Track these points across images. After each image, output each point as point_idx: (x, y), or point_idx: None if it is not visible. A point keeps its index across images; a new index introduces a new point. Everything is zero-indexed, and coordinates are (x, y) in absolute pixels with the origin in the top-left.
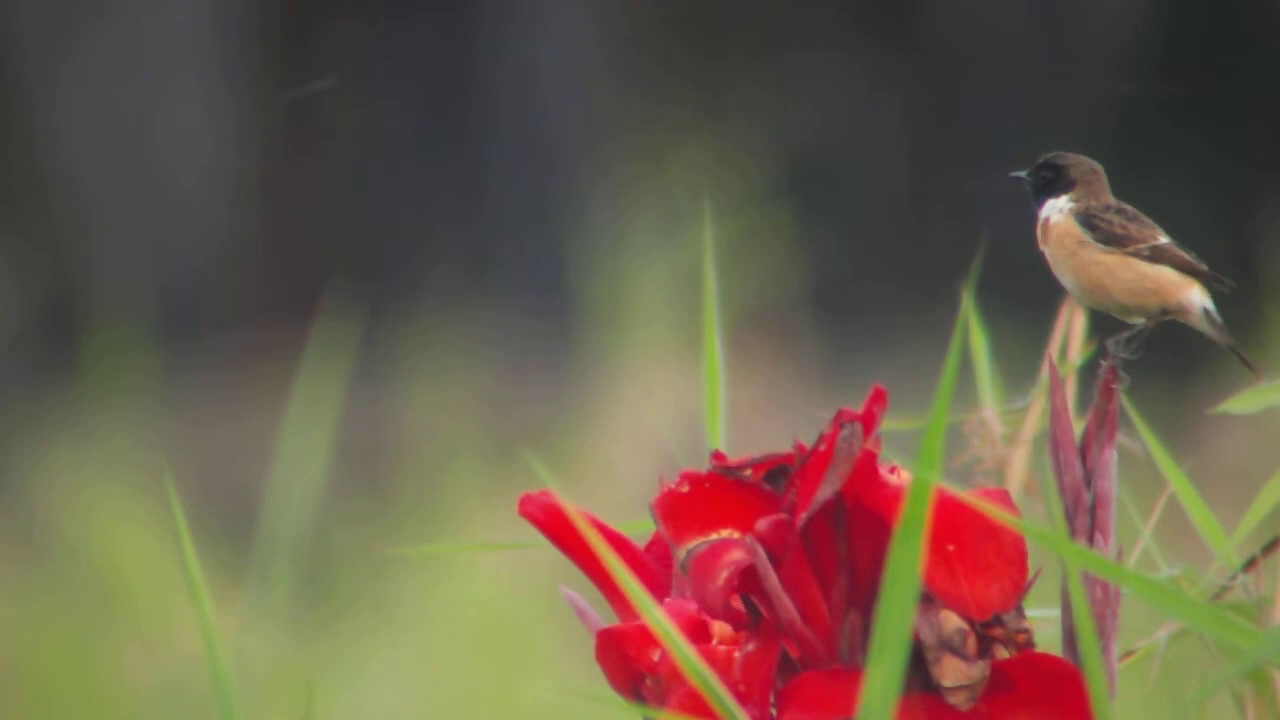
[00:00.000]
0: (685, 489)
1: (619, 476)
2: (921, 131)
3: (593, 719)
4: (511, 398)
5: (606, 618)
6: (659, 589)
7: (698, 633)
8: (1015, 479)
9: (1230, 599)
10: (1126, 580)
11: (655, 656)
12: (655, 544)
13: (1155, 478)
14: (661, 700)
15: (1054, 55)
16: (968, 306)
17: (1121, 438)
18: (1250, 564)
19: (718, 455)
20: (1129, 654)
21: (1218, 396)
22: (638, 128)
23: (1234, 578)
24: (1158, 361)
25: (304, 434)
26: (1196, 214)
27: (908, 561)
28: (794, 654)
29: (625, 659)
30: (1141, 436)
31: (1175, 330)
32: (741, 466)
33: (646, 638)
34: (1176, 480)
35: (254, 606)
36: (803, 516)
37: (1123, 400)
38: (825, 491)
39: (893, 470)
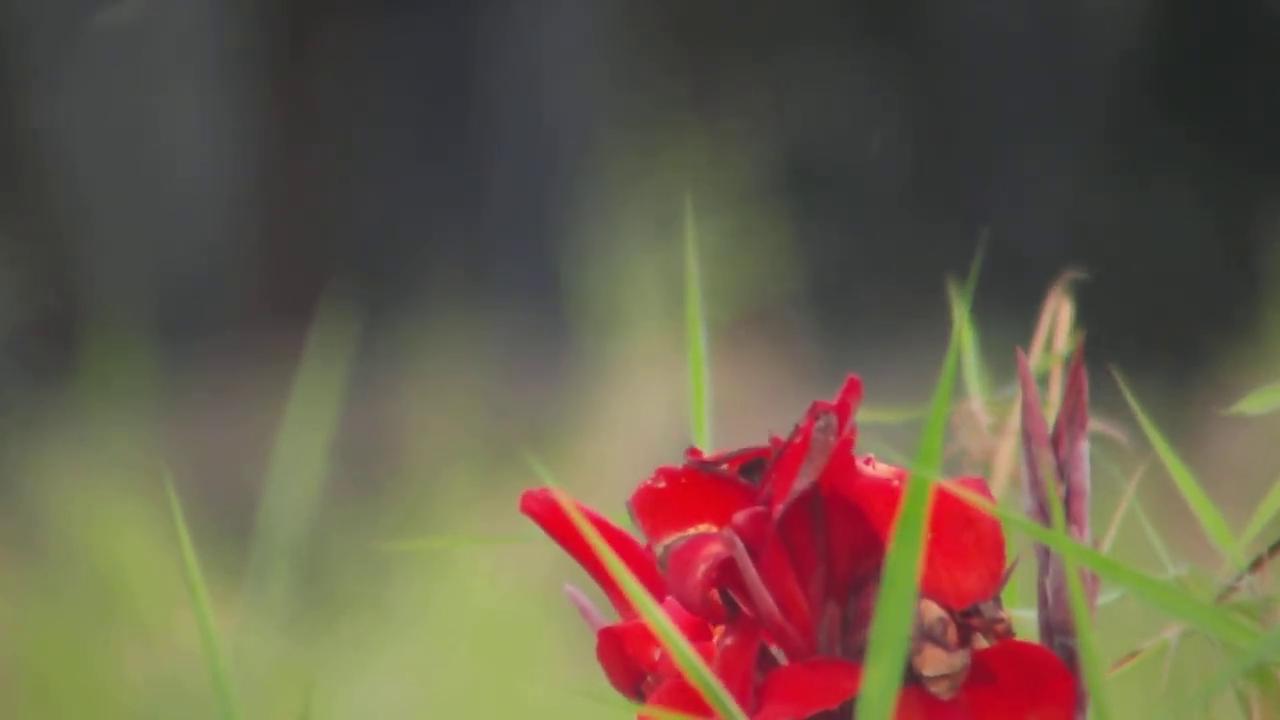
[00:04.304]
0: (662, 485)
1: (615, 475)
2: (920, 130)
3: (593, 719)
4: (508, 397)
5: (609, 617)
6: (660, 587)
7: (699, 631)
8: (1002, 470)
9: (1236, 599)
10: (1125, 578)
11: (656, 655)
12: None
13: (1154, 477)
14: None
15: (1054, 55)
16: (962, 305)
17: (1104, 427)
18: (1257, 564)
19: (693, 451)
20: (1132, 655)
21: (1218, 396)
22: (637, 127)
23: (1240, 577)
24: (1158, 361)
25: (302, 435)
26: (1196, 214)
27: (907, 559)
28: (773, 647)
29: (626, 657)
30: (1145, 432)
31: (1175, 330)
32: (718, 461)
33: (648, 636)
34: (1181, 478)
35: (253, 607)
36: (779, 508)
37: (1127, 398)
38: (802, 483)
39: (868, 461)
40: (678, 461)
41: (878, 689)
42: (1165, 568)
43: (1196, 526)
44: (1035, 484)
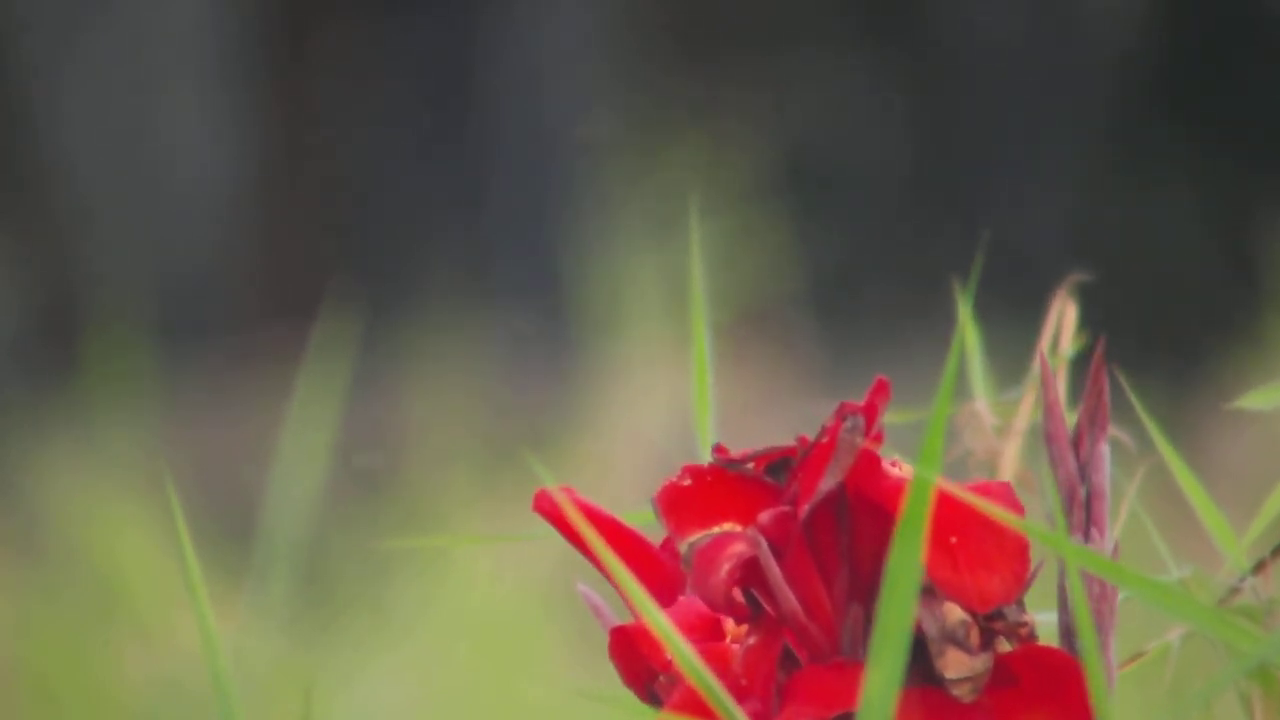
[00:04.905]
0: (687, 482)
1: (615, 475)
2: (921, 130)
3: (593, 719)
4: (508, 397)
5: (622, 615)
6: (673, 586)
7: (711, 631)
8: (1008, 471)
9: (1239, 601)
10: (1129, 581)
11: (669, 654)
12: (670, 540)
13: (1155, 477)
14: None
15: (1055, 55)
16: (965, 305)
17: (1115, 431)
18: (1260, 566)
19: (719, 449)
20: (1137, 655)
21: (1219, 396)
22: (638, 127)
23: (1242, 580)
24: (1158, 362)
25: (304, 435)
26: (1196, 214)
27: (908, 559)
28: (796, 648)
29: (638, 657)
30: (1149, 432)
31: (1176, 330)
32: (744, 460)
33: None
34: (1185, 480)
35: (253, 607)
36: (805, 509)
37: (1130, 399)
38: (828, 483)
39: (894, 464)
40: (678, 462)
41: (879, 690)
42: (1168, 570)
43: (1199, 528)
44: (1057, 486)
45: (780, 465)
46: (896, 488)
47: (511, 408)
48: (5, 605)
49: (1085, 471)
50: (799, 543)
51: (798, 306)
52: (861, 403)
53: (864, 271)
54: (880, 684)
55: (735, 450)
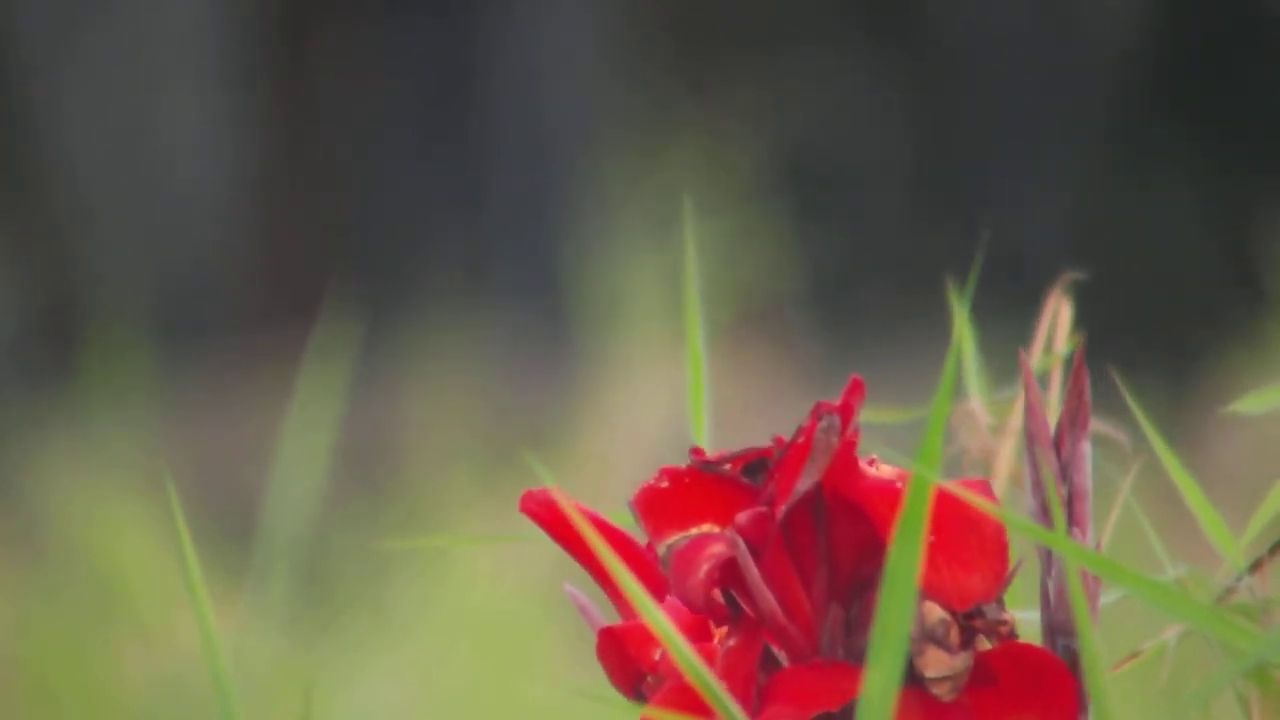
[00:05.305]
0: (664, 485)
1: (615, 475)
2: (921, 130)
3: (592, 719)
4: (508, 397)
5: (609, 616)
6: (660, 587)
7: (699, 631)
8: (1002, 470)
9: (1235, 601)
10: (1125, 580)
11: (656, 655)
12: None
13: (1152, 477)
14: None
15: (1054, 55)
16: (960, 306)
17: (1104, 428)
18: (1256, 565)
19: (696, 450)
20: (1132, 656)
21: (1217, 396)
22: (638, 127)
23: (1239, 579)
24: (1157, 361)
25: (304, 435)
26: (1196, 214)
27: (907, 559)
28: (776, 648)
29: (626, 657)
30: (1144, 433)
31: (1174, 330)
32: (721, 461)
33: (648, 636)
34: (1181, 479)
35: (253, 607)
36: (782, 509)
37: (1126, 399)
38: (804, 483)
39: (871, 463)
40: (678, 461)
41: (878, 690)
42: (1164, 569)
43: (1195, 528)
44: (1038, 485)
45: (757, 466)
46: (874, 487)
47: (511, 408)
48: (5, 605)
49: (1067, 471)
50: (777, 543)
51: (798, 306)
52: (838, 402)
53: (864, 271)
54: (879, 684)
55: (723, 451)
